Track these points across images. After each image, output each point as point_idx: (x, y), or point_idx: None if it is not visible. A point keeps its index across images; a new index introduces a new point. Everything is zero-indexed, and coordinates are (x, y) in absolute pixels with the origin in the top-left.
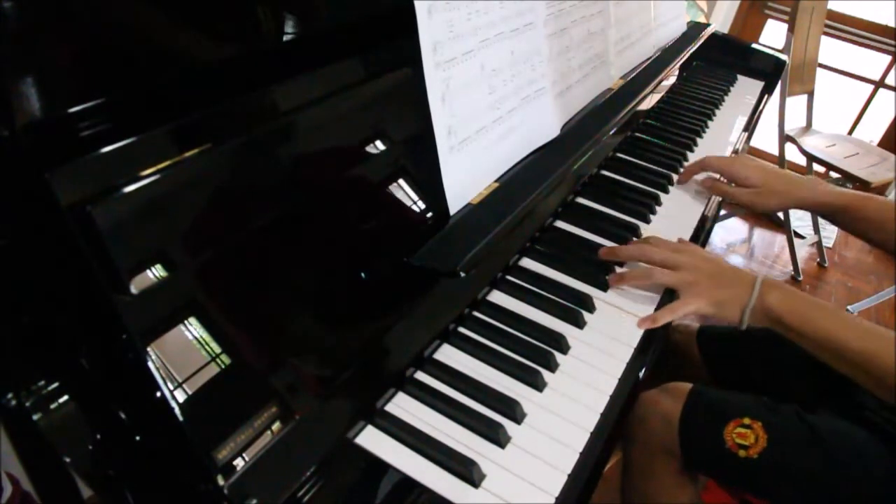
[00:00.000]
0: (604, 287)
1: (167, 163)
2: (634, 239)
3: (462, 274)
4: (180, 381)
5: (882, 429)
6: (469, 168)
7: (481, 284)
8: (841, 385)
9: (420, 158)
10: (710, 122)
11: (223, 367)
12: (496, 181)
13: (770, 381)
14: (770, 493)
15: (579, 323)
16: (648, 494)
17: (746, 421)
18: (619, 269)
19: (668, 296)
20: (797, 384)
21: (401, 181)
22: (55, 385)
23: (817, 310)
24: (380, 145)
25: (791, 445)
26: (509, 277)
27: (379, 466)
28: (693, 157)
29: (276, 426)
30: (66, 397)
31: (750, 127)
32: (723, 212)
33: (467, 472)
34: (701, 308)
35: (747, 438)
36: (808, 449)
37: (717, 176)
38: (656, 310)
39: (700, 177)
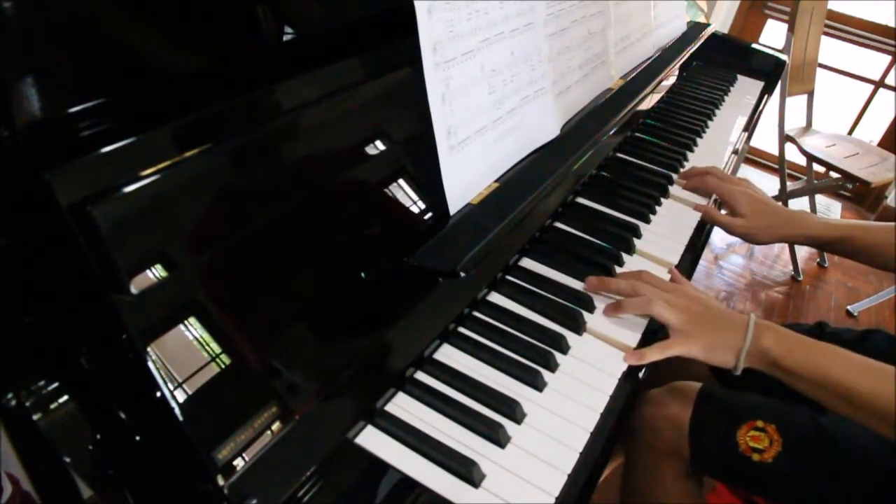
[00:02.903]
0: None
1: (167, 163)
2: (618, 271)
3: (462, 274)
4: (180, 381)
5: None
6: (469, 168)
7: (481, 284)
8: None
9: (420, 158)
10: (710, 122)
11: (223, 366)
12: (496, 181)
13: (776, 380)
14: (784, 497)
15: (579, 323)
16: (651, 496)
17: (760, 424)
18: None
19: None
20: None
21: (401, 181)
22: (55, 385)
23: (816, 350)
24: (380, 145)
25: (806, 449)
26: (509, 277)
27: (379, 466)
28: (693, 157)
29: (276, 426)
30: (66, 397)
31: (750, 127)
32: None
33: (467, 472)
34: (691, 351)
35: (761, 442)
36: (823, 452)
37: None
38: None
39: (696, 197)
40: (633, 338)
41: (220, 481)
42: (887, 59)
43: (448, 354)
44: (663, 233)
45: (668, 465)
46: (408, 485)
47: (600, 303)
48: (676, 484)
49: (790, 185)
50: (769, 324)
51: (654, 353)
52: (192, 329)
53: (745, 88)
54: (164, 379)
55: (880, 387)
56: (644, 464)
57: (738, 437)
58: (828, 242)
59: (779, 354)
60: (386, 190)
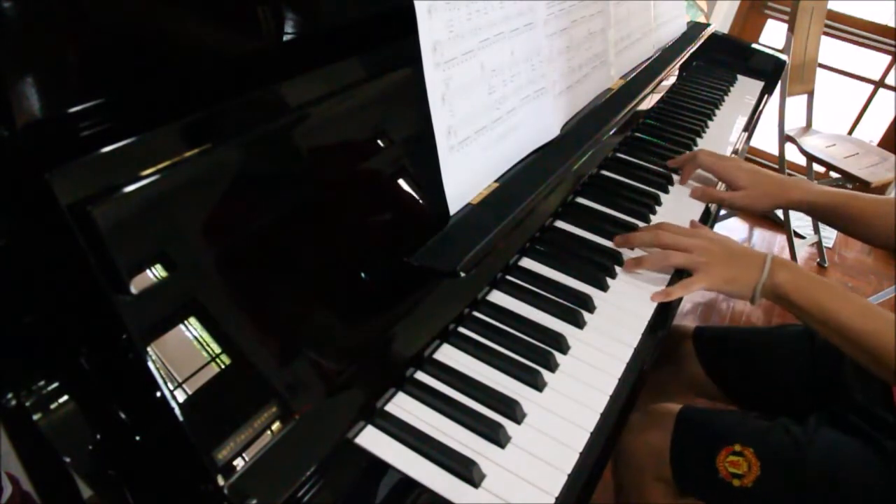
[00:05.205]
0: (604, 287)
1: (167, 163)
2: (642, 225)
3: (462, 274)
4: (180, 381)
5: (874, 439)
6: (469, 168)
7: (481, 284)
8: (834, 385)
9: (420, 158)
10: (710, 122)
11: (223, 367)
12: (496, 181)
13: (765, 380)
14: None
15: (579, 323)
16: None
17: (738, 448)
18: (632, 255)
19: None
20: (792, 384)
21: (401, 181)
22: (55, 385)
23: (822, 288)
24: (380, 145)
25: (785, 471)
26: (509, 277)
27: (379, 466)
28: None
29: (276, 426)
30: (66, 397)
31: (750, 127)
32: (723, 212)
33: (467, 472)
34: (713, 285)
35: (740, 467)
36: (802, 473)
37: (709, 175)
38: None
39: (691, 183)
40: (633, 336)
41: (220, 481)
42: (887, 59)
43: (448, 354)
44: None
45: (656, 489)
46: (408, 485)
47: (600, 302)
48: None
49: None
50: (785, 261)
51: (679, 290)
52: (192, 329)
53: (745, 88)
54: (164, 379)
55: (877, 328)
56: (632, 487)
57: (717, 464)
58: (824, 208)
59: (789, 290)
60: (386, 190)
